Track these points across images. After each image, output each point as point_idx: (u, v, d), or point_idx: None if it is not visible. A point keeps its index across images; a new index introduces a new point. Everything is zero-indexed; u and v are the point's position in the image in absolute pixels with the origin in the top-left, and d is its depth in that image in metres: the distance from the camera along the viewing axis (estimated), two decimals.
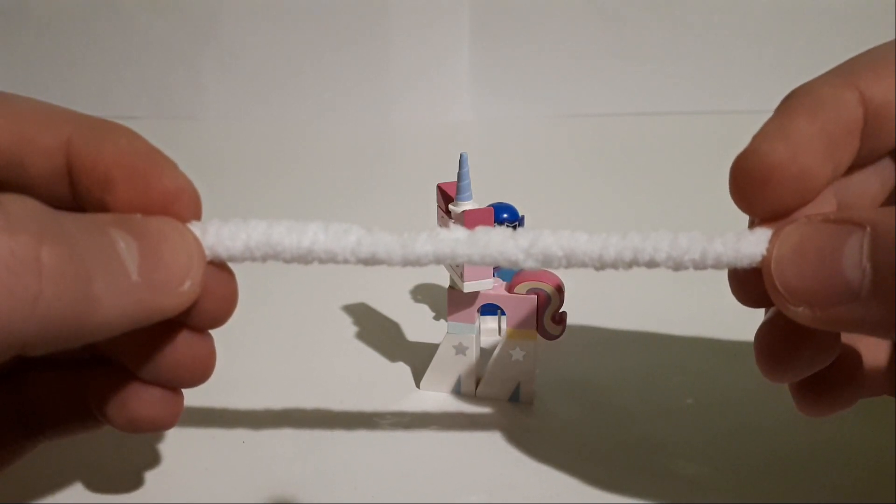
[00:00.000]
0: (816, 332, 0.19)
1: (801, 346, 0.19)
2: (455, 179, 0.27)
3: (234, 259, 0.19)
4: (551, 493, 0.24)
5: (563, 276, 0.30)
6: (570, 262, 0.19)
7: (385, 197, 0.54)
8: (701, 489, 0.24)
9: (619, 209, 0.50)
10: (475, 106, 0.71)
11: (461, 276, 0.27)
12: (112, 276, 0.16)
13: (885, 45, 0.19)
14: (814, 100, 0.18)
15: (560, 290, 0.29)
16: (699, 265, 0.18)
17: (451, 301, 0.28)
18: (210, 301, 0.19)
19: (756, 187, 0.18)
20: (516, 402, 0.29)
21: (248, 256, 0.19)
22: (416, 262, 0.19)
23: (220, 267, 0.19)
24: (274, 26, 0.71)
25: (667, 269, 0.19)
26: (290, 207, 0.52)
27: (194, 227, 0.19)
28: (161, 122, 0.70)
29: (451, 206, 0.27)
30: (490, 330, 0.33)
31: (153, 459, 0.26)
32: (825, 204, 0.19)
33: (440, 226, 0.29)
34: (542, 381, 0.29)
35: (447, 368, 0.29)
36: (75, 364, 0.21)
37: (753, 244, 0.18)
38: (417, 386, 0.30)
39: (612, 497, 0.24)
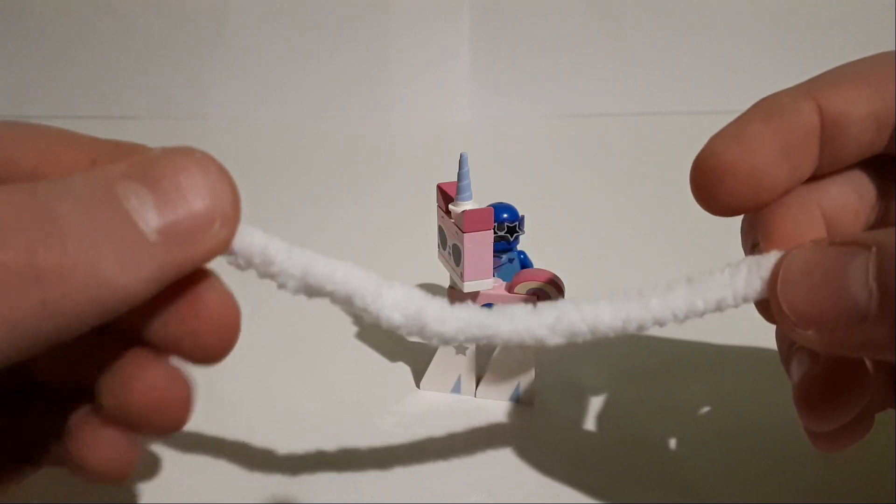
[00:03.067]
0: (854, 374, 0.20)
1: (842, 392, 0.20)
2: (455, 179, 0.27)
3: (253, 260, 0.18)
4: (551, 493, 0.24)
5: (563, 275, 0.30)
6: (595, 336, 0.19)
7: (385, 197, 0.54)
8: (701, 489, 0.24)
9: (619, 209, 0.50)
10: (475, 106, 0.71)
11: (461, 277, 0.27)
12: (125, 247, 0.15)
13: (848, 64, 0.20)
14: (770, 106, 0.19)
15: (560, 290, 0.29)
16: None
17: (451, 301, 0.28)
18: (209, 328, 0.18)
19: (712, 185, 0.19)
20: (516, 402, 0.29)
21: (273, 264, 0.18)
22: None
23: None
24: (275, 27, 0.71)
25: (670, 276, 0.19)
26: (290, 207, 0.52)
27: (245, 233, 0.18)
28: (162, 122, 0.70)
29: (451, 206, 0.27)
30: None
31: (153, 459, 0.26)
32: (811, 217, 0.19)
33: (440, 225, 0.29)
34: (542, 381, 0.29)
35: (447, 368, 0.29)
36: (63, 397, 0.20)
37: (761, 292, 0.18)
38: (417, 386, 0.30)
39: (611, 497, 0.24)
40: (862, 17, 0.66)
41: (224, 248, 0.17)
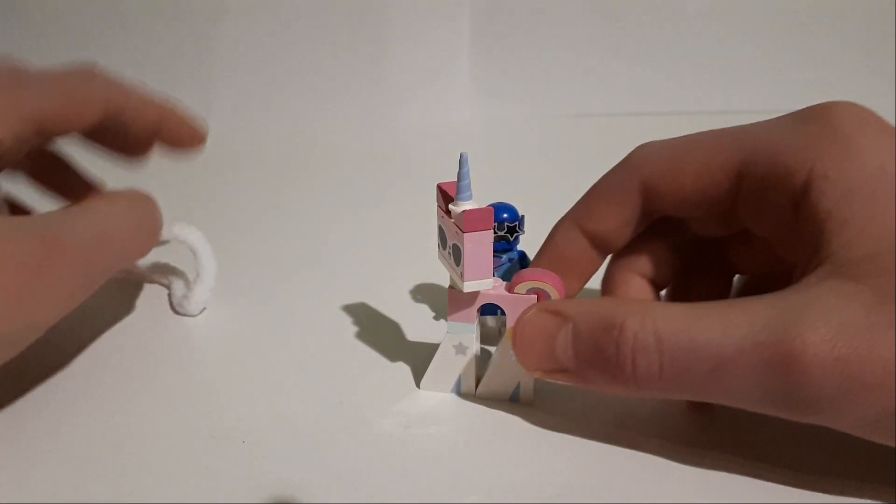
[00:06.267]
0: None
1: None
2: (455, 179, 0.27)
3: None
4: (551, 493, 0.24)
5: None
6: None
7: (386, 197, 0.54)
8: (702, 489, 0.24)
9: None
10: (475, 106, 0.71)
11: (461, 276, 0.27)
12: None
13: (598, 184, 0.31)
14: (550, 242, 0.30)
15: (560, 289, 0.29)
16: None
17: (451, 301, 0.28)
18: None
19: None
20: (516, 402, 0.29)
21: None
22: None
23: None
24: (275, 30, 0.71)
25: None
26: (291, 208, 0.52)
27: None
28: None
29: (451, 206, 0.27)
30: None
31: (153, 459, 0.26)
32: (629, 277, 0.30)
33: (440, 225, 0.29)
34: (542, 381, 0.29)
35: (447, 368, 0.29)
36: None
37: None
38: (417, 386, 0.30)
39: (612, 497, 0.24)
40: (862, 17, 0.66)
41: None
